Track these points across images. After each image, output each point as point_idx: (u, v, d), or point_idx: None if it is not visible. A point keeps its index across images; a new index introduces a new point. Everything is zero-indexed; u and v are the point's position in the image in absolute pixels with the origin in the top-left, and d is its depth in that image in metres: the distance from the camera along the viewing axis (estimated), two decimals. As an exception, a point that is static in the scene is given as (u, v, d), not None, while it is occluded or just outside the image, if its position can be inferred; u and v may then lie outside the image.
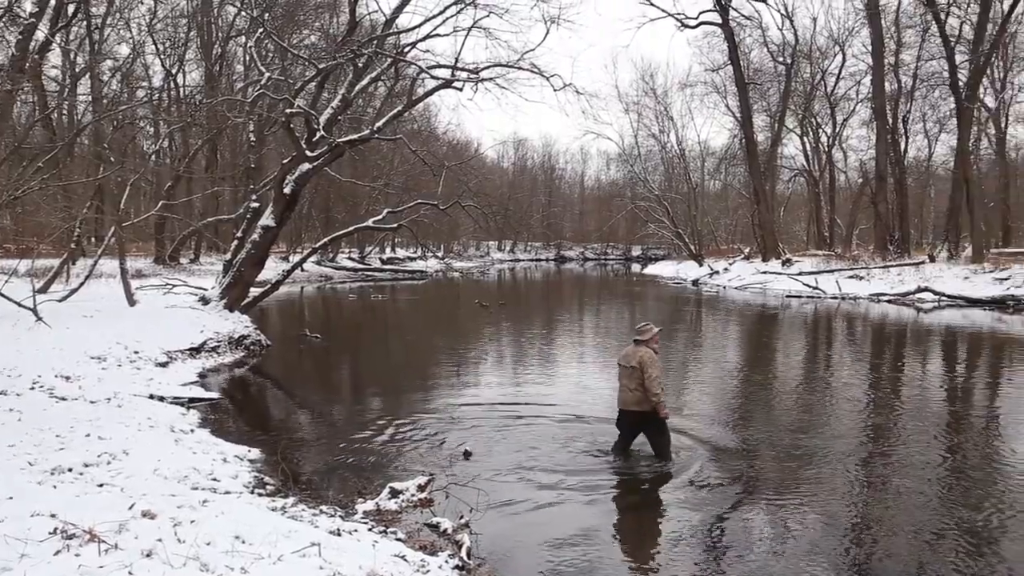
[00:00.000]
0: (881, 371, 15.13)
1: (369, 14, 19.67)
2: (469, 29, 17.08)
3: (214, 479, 6.74)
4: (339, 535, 5.36)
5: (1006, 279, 29.91)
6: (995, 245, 46.03)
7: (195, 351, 14.15)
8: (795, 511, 6.61)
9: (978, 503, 6.80)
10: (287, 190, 16.59)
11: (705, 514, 6.60)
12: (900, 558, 5.66)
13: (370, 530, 5.71)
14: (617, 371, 8.14)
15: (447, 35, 17.70)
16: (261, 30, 18.55)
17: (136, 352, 12.82)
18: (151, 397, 10.32)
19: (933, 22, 39.05)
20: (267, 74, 16.75)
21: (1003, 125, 48.85)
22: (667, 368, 14.76)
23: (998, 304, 26.84)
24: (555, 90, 17.12)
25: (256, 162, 30.24)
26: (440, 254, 66.21)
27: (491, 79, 17.00)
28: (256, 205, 17.89)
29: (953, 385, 13.56)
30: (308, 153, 16.08)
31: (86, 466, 6.49)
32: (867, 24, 42.10)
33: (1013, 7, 37.18)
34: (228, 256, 17.88)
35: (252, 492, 6.56)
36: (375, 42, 17.44)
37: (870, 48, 42.04)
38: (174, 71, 39.94)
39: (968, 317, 24.34)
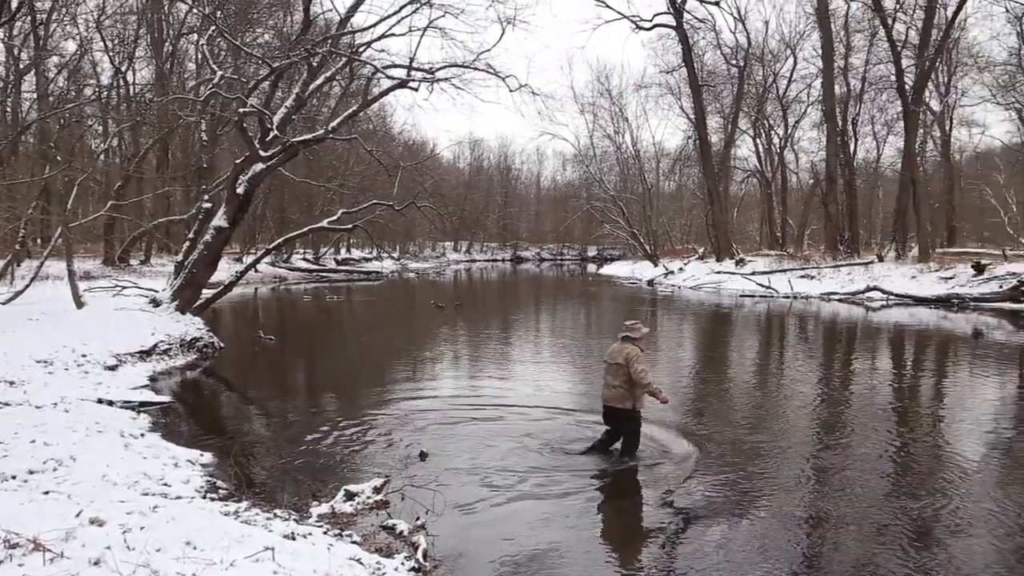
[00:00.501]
0: (832, 368, 15.43)
1: (323, 13, 19.55)
2: (424, 29, 17.03)
3: (165, 484, 6.63)
4: (293, 539, 5.30)
5: (951, 278, 30.70)
6: (940, 245, 47.18)
7: (146, 354, 13.89)
8: (749, 506, 6.70)
9: (922, 496, 6.98)
10: (240, 190, 16.37)
11: (661, 511, 6.68)
12: (848, 550, 5.77)
13: (325, 533, 5.66)
14: (604, 368, 8.27)
15: (402, 35, 17.65)
16: (213, 28, 18.28)
17: (84, 356, 12.55)
18: (100, 401, 10.10)
19: (881, 27, 39.93)
20: (220, 73, 16.49)
21: (947, 128, 50.11)
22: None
23: (943, 302, 27.54)
24: (511, 91, 17.16)
25: (208, 162, 29.82)
26: (396, 255, 65.94)
27: (447, 79, 16.96)
28: (208, 205, 17.62)
29: (900, 381, 13.87)
30: (261, 153, 15.89)
31: (31, 473, 6.34)
32: (817, 28, 42.91)
33: (956, 14, 38.18)
34: (180, 257, 17.59)
35: (204, 497, 6.46)
36: (329, 41, 17.31)
37: (820, 52, 42.83)
38: (123, 69, 39.14)
39: (915, 315, 24.91)
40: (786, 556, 5.68)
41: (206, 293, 17.82)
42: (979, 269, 30.06)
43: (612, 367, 8.06)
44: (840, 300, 30.65)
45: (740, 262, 43.00)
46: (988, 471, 7.85)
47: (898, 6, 39.92)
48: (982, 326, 21.75)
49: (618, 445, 8.17)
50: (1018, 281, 27.44)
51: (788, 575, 5.39)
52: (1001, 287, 27.76)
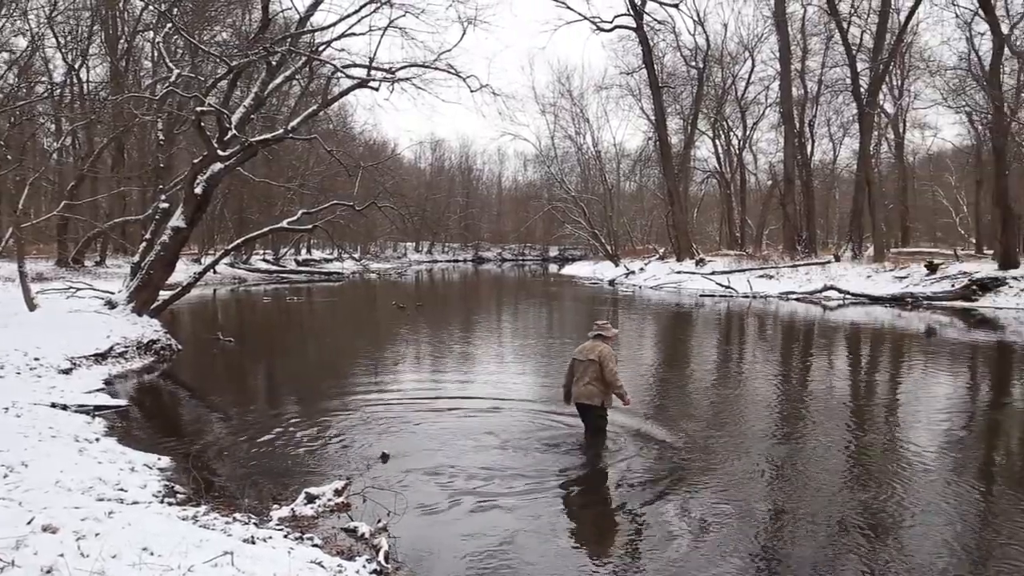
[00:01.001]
0: (789, 366, 15.66)
1: (282, 11, 19.31)
2: (385, 28, 16.93)
3: (121, 489, 6.51)
4: (253, 543, 5.24)
5: (905, 277, 31.34)
6: (895, 245, 48.18)
7: (101, 357, 13.63)
8: (708, 501, 6.77)
9: (877, 489, 7.11)
10: (198, 190, 16.15)
11: (624, 509, 6.73)
12: (805, 543, 5.86)
13: (286, 537, 5.60)
14: (570, 365, 8.49)
15: (363, 34, 17.51)
16: (170, 25, 17.99)
17: (36, 359, 12.28)
18: (53, 406, 9.89)
19: (836, 31, 40.62)
20: (176, 71, 16.24)
21: (901, 130, 51.14)
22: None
23: (897, 301, 28.09)
24: (472, 91, 17.13)
25: (165, 161, 29.19)
26: (357, 255, 65.56)
27: (407, 79, 16.88)
28: (166, 206, 17.35)
29: (855, 378, 14.15)
30: (220, 152, 15.68)
31: (-19, 479, 6.20)
32: (775, 31, 43.50)
33: (908, 19, 39.01)
34: (136, 258, 17.29)
35: (162, 501, 6.36)
36: (289, 40, 17.12)
37: (778, 55, 43.46)
38: (77, 66, 38.32)
39: (871, 314, 25.37)
40: (744, 551, 5.74)
41: (164, 295, 17.55)
42: (932, 268, 30.71)
43: (583, 364, 8.21)
44: (798, 299, 31.11)
45: (700, 262, 43.43)
46: (940, 465, 8.01)
47: (853, 11, 40.66)
48: (935, 324, 22.22)
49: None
50: (969, 280, 28.11)
51: (746, 569, 5.45)
52: (953, 286, 28.41)
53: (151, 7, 26.77)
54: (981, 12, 32.01)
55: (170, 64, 16.74)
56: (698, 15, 69.02)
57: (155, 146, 31.91)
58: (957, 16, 39.80)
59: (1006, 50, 32.28)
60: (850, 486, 7.34)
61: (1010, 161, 34.07)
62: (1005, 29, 33.06)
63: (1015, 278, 27.37)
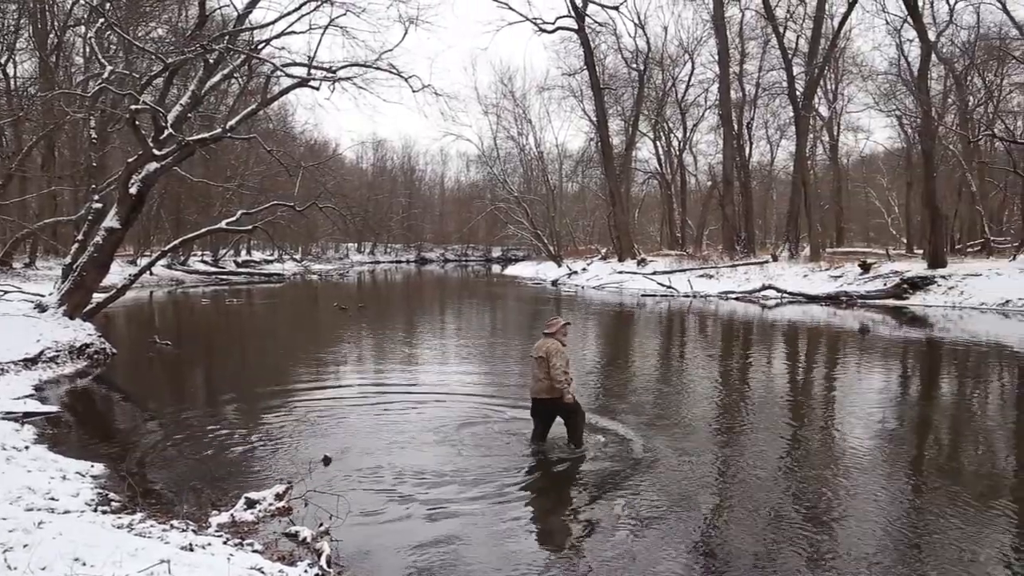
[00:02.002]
0: (730, 364, 15.92)
1: (220, 8, 18.95)
2: (326, 27, 16.75)
3: (52, 498, 6.32)
4: (191, 550, 5.14)
5: (840, 277, 32.16)
6: (830, 245, 49.40)
7: (31, 362, 13.20)
8: (653, 498, 6.85)
9: (815, 484, 7.29)
10: (133, 190, 15.75)
11: (568, 506, 6.76)
12: (746, 539, 5.95)
13: (225, 543, 5.50)
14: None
15: (303, 33, 17.30)
16: (102, 20, 17.53)
17: (-38, 364, 11.85)
18: (-20, 413, 9.56)
19: (773, 35, 41.52)
20: (109, 68, 15.82)
21: (835, 133, 52.54)
22: (526, 369, 14.98)
23: (833, 300, 28.83)
24: (414, 91, 17.04)
25: (98, 160, 28.56)
26: (298, 256, 64.73)
27: (348, 79, 16.73)
28: (99, 206, 16.89)
29: (794, 375, 14.47)
30: (155, 152, 15.32)
31: (-99, 491, 5.95)
32: (714, 35, 44.25)
33: (841, 24, 40.08)
34: (68, 260, 16.78)
35: (95, 510, 6.19)
36: (227, 38, 16.82)
37: (717, 58, 44.22)
38: (3, 61, 37.08)
39: (807, 313, 25.97)
40: (687, 545, 5.82)
41: (97, 297, 17.06)
42: (865, 268, 31.58)
43: (536, 360, 8.30)
44: (737, 299, 31.68)
45: (642, 262, 43.91)
46: (874, 457, 8.25)
47: (789, 16, 41.63)
48: (868, 322, 22.84)
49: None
50: (900, 279, 28.97)
51: (689, 563, 5.52)
52: (885, 285, 29.27)
53: (82, 1, 26.06)
54: (910, 19, 33.04)
55: (103, 60, 16.28)
56: (639, 18, 69.79)
57: (87, 144, 31.09)
58: (887, 23, 41.25)
59: (933, 56, 33.36)
60: (789, 479, 7.51)
61: (938, 164, 35.23)
62: (932, 36, 34.19)
63: (943, 277, 28.30)
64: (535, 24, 47.05)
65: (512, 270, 64.32)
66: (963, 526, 6.23)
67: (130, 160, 16.03)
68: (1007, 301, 25.17)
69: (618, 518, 6.40)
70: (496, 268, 74.52)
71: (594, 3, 46.59)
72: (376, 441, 8.76)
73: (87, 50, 35.33)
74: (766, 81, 47.61)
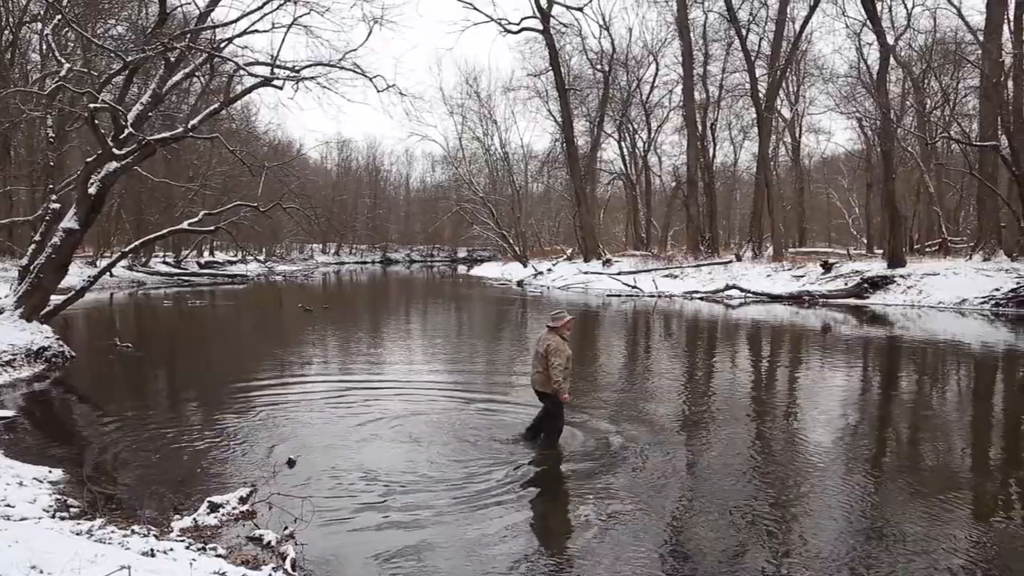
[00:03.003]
0: (695, 363, 16.07)
1: (181, 5, 18.62)
2: (289, 26, 16.57)
3: (8, 505, 6.19)
4: (153, 555, 5.06)
5: (802, 276, 32.60)
6: (793, 245, 50.07)
7: (-14, 366, 12.93)
8: (619, 497, 6.88)
9: (780, 482, 7.38)
10: (92, 190, 15.48)
11: (535, 506, 6.75)
12: (714, 538, 6.01)
13: (187, 548, 5.42)
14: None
15: (266, 31, 17.11)
16: (59, 17, 17.22)
17: (-85, 369, 11.56)
18: (-67, 418, 9.33)
19: (736, 37, 41.94)
20: (67, 65, 15.53)
21: (797, 134, 53.25)
22: (492, 368, 15.00)
23: (795, 299, 29.21)
24: (378, 91, 16.91)
25: (56, 160, 27.98)
26: (262, 257, 64.04)
27: (312, 78, 16.57)
28: (57, 206, 16.56)
29: (758, 374, 14.63)
30: (115, 151, 15.07)
31: None
32: (678, 37, 44.59)
33: (803, 27, 40.66)
34: (24, 261, 16.43)
35: (53, 516, 6.07)
36: (188, 36, 16.59)
37: (681, 59, 44.55)
38: (-44, 58, 36.31)
39: (771, 312, 26.27)
40: (653, 545, 5.86)
41: (55, 299, 16.74)
42: (827, 268, 32.04)
43: (536, 354, 8.50)
44: (702, 298, 31.96)
45: (607, 262, 44.13)
46: (836, 454, 8.37)
47: (752, 18, 42.13)
48: (830, 321, 23.17)
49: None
50: (861, 279, 29.44)
51: (656, 563, 5.55)
52: (846, 284, 29.73)
53: (39, -3, 25.57)
54: (869, 24, 33.61)
55: (60, 58, 15.98)
56: (604, 19, 69.84)
57: (45, 143, 30.43)
58: (847, 27, 41.87)
59: (892, 60, 33.94)
60: (754, 476, 7.58)
61: (897, 165, 35.87)
62: (891, 40, 34.81)
63: (902, 276, 28.81)
64: (500, 25, 47.11)
65: (478, 271, 64.26)
66: (923, 519, 6.35)
67: (89, 160, 15.75)
68: (963, 300, 25.69)
69: (587, 522, 6.43)
70: (462, 269, 74.41)
71: (559, 4, 46.78)
72: (342, 442, 8.71)
73: (44, 47, 34.61)
74: (729, 83, 48.17)
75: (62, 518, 6.04)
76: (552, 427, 8.49)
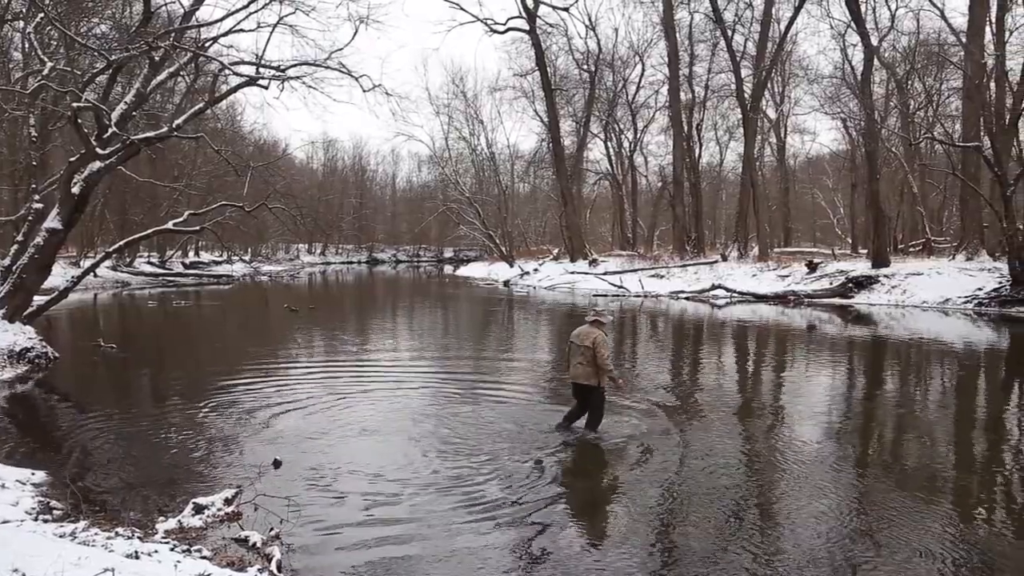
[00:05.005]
0: (680, 363, 16.12)
1: (166, 4, 18.48)
2: (274, 25, 16.52)
3: (-10, 508, 6.14)
4: (137, 558, 5.03)
5: (787, 276, 32.77)
6: (778, 245, 50.31)
7: (-32, 367, 12.82)
8: (603, 498, 6.91)
9: (766, 482, 7.43)
10: (76, 190, 15.37)
11: (516, 505, 6.73)
12: (700, 536, 6.03)
13: (172, 550, 5.39)
14: (568, 348, 9.14)
15: (251, 31, 17.06)
16: (42, 15, 17.07)
17: None
18: (-86, 420, 9.24)
19: (722, 38, 42.12)
20: (50, 64, 15.42)
21: (783, 135, 53.50)
22: (480, 367, 14.99)
23: (781, 299, 29.35)
24: (364, 91, 16.89)
25: (39, 159, 27.72)
26: (247, 258, 63.77)
27: (298, 78, 16.53)
28: (40, 206, 16.45)
29: (743, 373, 14.70)
30: (99, 151, 14.96)
31: None
32: (664, 37, 44.73)
33: (788, 28, 40.85)
34: (7, 262, 16.31)
35: (36, 519, 6.02)
36: (173, 35, 16.50)
37: (667, 60, 44.68)
38: (-63, 56, 35.92)
39: (756, 311, 26.38)
40: (639, 544, 5.87)
41: (38, 300, 16.62)
42: (812, 267, 32.23)
43: (579, 348, 8.84)
44: (688, 298, 32.06)
45: (593, 262, 44.21)
46: (822, 453, 8.41)
47: (737, 19, 42.30)
48: (815, 320, 23.30)
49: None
50: (846, 278, 29.62)
51: (642, 564, 5.56)
52: (831, 284, 29.91)
53: (21, -5, 25.34)
54: (853, 25, 33.83)
55: (43, 56, 15.88)
56: (590, 19, 70.04)
57: (27, 143, 30.17)
58: (832, 28, 42.09)
59: (876, 61, 34.16)
60: (739, 476, 7.61)
61: (881, 166, 36.10)
62: (875, 41, 35.02)
63: (887, 276, 29.01)
64: (486, 25, 47.14)
65: (464, 271, 64.23)
66: (907, 517, 6.39)
67: (72, 159, 15.64)
68: (947, 299, 25.89)
69: (569, 520, 6.43)
70: (448, 269, 74.35)
71: (545, 4, 46.84)
72: (328, 442, 8.68)
73: (26, 45, 34.32)
74: (715, 83, 48.34)
75: (45, 520, 6.00)
76: (597, 416, 8.94)
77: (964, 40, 30.35)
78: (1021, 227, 25.53)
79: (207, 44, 17.25)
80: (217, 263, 59.35)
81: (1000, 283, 25.54)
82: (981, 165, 30.13)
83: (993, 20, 29.96)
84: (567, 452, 8.38)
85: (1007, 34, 29.25)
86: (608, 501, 6.87)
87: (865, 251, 39.61)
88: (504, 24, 47.46)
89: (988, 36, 30.29)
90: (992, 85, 30.05)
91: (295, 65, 16.55)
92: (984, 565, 5.56)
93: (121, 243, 21.16)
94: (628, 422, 9.77)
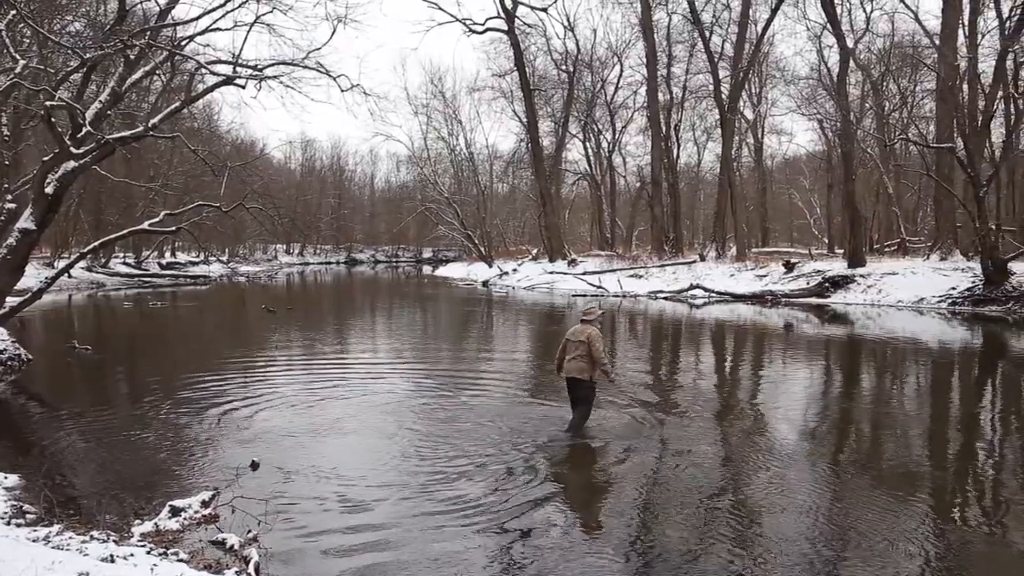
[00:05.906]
0: (659, 362, 16.18)
1: (141, 2, 18.32)
2: (251, 24, 16.39)
3: (-38, 512, 6.05)
4: (112, 561, 4.98)
5: (765, 276, 33.00)
6: (755, 245, 50.66)
7: (-61, 369, 12.63)
8: (583, 499, 6.92)
9: (743, 480, 7.46)
10: (49, 190, 15.18)
11: (498, 504, 6.71)
12: (678, 537, 6.05)
13: (149, 553, 5.34)
14: (563, 345, 9.23)
15: (228, 30, 16.97)
16: (14, 12, 16.84)
17: None
18: None
19: (700, 39, 42.33)
20: (22, 62, 15.21)
21: (760, 135, 53.85)
22: (458, 366, 14.98)
23: (758, 299, 29.54)
24: (342, 90, 16.80)
25: (11, 159, 27.36)
26: (224, 258, 63.34)
27: (275, 77, 16.40)
28: (12, 206, 16.23)
29: (721, 372, 14.79)
30: (73, 150, 14.79)
31: None
32: (642, 38, 44.87)
33: (765, 30, 41.16)
34: (-21, 263, 16.09)
35: (9, 523, 5.94)
36: (148, 33, 16.34)
37: (645, 60, 44.83)
38: (-93, 54, 35.38)
39: (734, 311, 26.54)
40: (620, 547, 5.88)
41: (11, 301, 16.40)
42: (789, 267, 32.46)
43: (574, 344, 9.01)
44: (666, 298, 32.20)
45: (572, 262, 44.29)
46: (798, 452, 8.47)
47: (715, 20, 42.59)
48: (792, 320, 23.47)
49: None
50: (822, 278, 29.86)
51: (622, 566, 5.58)
52: (808, 283, 30.15)
53: (-7, -7, 25.02)
54: (829, 27, 34.13)
55: (15, 54, 15.65)
56: (568, 20, 70.40)
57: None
58: (808, 29, 42.54)
59: (852, 63, 34.49)
60: (719, 474, 7.65)
61: (857, 166, 36.44)
62: (851, 43, 35.36)
63: (863, 275, 29.29)
64: (465, 25, 47.08)
65: (443, 271, 64.16)
66: (883, 514, 6.45)
67: (46, 159, 15.45)
68: (921, 299, 26.18)
69: (547, 519, 6.44)
70: (427, 269, 74.26)
71: (524, 5, 46.87)
72: (305, 443, 8.63)
73: (-1, 44, 33.89)
74: (693, 84, 48.60)
75: (18, 525, 5.92)
76: (585, 412, 9.09)
77: (937, 42, 30.74)
78: (994, 227, 25.91)
79: (183, 43, 17.09)
80: (194, 264, 58.94)
81: (973, 282, 25.86)
82: (955, 166, 30.48)
83: (966, 23, 30.36)
84: (549, 452, 8.38)
85: (979, 37, 29.65)
86: (590, 501, 6.88)
87: (841, 251, 39.96)
88: (483, 24, 47.48)
89: (961, 39, 30.68)
90: (965, 87, 30.44)
91: (273, 64, 16.44)
92: (959, 560, 5.63)
93: (96, 244, 20.93)
94: (609, 421, 9.78)
